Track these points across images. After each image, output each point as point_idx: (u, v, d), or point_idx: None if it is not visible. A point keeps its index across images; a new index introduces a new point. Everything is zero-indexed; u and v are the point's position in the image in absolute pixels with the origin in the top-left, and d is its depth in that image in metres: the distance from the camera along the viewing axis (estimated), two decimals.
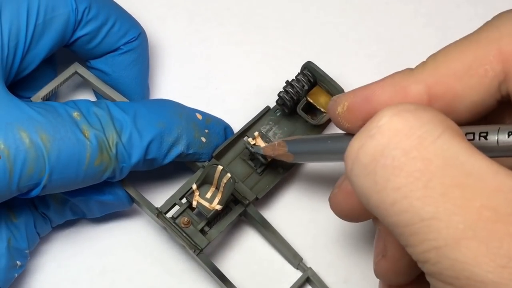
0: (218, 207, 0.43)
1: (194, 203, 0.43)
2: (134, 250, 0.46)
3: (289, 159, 0.41)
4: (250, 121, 0.47)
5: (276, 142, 0.41)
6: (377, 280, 0.36)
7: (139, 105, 0.43)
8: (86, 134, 0.40)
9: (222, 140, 0.45)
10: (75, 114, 0.40)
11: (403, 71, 0.31)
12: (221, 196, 0.44)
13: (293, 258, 0.45)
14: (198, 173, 0.45)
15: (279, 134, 0.47)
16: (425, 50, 0.34)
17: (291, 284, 0.44)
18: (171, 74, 0.49)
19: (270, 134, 0.47)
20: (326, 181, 0.47)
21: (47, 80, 0.45)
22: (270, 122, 0.47)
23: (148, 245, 0.46)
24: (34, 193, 0.39)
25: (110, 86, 0.46)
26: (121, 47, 0.45)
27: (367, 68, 0.49)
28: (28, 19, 0.41)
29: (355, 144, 0.28)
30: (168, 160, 0.43)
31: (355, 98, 0.32)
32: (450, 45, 0.31)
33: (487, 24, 0.31)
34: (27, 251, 0.42)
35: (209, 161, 0.45)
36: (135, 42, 0.45)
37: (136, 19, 0.46)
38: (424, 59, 0.32)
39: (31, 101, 0.43)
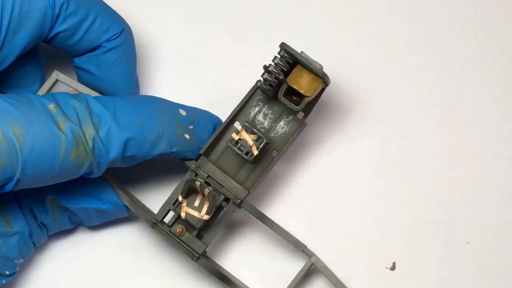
0: (206, 217, 0.43)
1: (183, 215, 0.43)
2: (131, 251, 0.47)
3: None
4: (239, 104, 0.44)
5: None
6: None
7: (120, 101, 0.42)
8: (61, 127, 0.39)
9: (210, 134, 0.44)
10: (51, 106, 0.40)
11: None
12: (208, 205, 0.43)
13: (296, 246, 0.44)
14: (186, 177, 0.44)
15: (270, 115, 0.44)
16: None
17: (296, 273, 0.44)
18: (162, 71, 0.48)
19: (260, 116, 0.44)
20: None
21: (33, 78, 0.45)
22: (260, 103, 0.44)
23: (145, 247, 0.47)
24: (8, 187, 0.39)
25: (97, 86, 0.45)
26: (104, 44, 0.43)
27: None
28: (2, 11, 0.40)
29: None
30: (149, 157, 0.42)
31: None
32: None
33: None
34: (17, 261, 0.44)
35: (196, 160, 0.44)
36: (118, 39, 0.43)
37: (125, 17, 0.44)
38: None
39: None
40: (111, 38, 0.43)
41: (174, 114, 0.42)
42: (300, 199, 0.46)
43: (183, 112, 0.43)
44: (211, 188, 0.42)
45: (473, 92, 0.47)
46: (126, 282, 0.47)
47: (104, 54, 0.43)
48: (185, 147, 0.43)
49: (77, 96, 0.41)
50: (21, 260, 0.44)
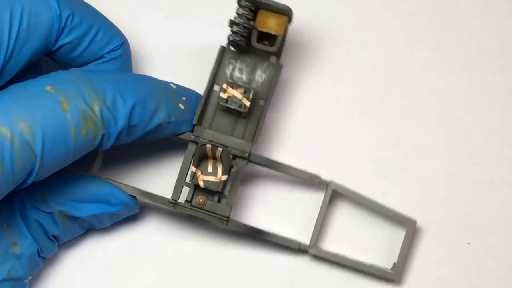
0: (224, 177, 0.44)
1: (201, 183, 0.44)
2: (139, 251, 0.47)
3: None
4: (212, 69, 0.45)
5: None
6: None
7: (116, 73, 0.43)
8: (65, 106, 0.39)
9: None
10: (48, 88, 0.40)
11: None
12: (223, 166, 0.44)
13: (311, 179, 0.46)
14: (190, 150, 0.45)
15: (245, 68, 0.46)
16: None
17: (320, 205, 0.45)
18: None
19: (236, 73, 0.46)
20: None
21: None
22: (231, 60, 0.46)
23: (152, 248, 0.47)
24: (29, 180, 0.39)
25: None
26: (104, 55, 0.44)
27: None
28: (11, 23, 0.40)
29: None
30: (150, 127, 0.42)
31: None
32: None
33: None
34: (26, 280, 0.43)
35: (191, 131, 0.45)
36: (118, 50, 0.44)
37: (121, 28, 0.44)
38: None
39: None
40: (112, 50, 0.44)
41: (167, 86, 0.44)
42: (296, 141, 0.48)
43: (173, 86, 0.44)
44: (221, 149, 0.43)
45: (473, 92, 0.48)
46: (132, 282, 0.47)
47: (102, 64, 0.44)
48: (181, 117, 0.44)
49: (74, 70, 0.41)
50: (30, 278, 0.44)
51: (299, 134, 0.48)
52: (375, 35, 0.49)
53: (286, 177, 0.46)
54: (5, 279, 0.42)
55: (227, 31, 0.44)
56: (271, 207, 0.47)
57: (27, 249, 0.43)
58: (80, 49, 0.43)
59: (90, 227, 0.46)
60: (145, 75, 0.44)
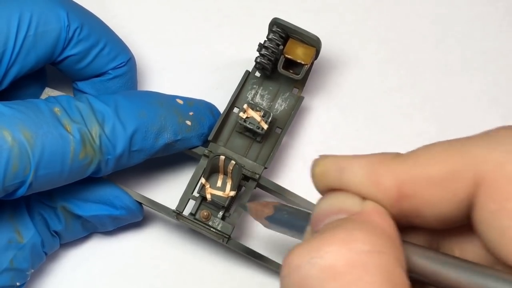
0: (232, 193, 0.44)
1: (209, 196, 0.44)
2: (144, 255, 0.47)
3: (264, 224, 0.36)
4: (235, 91, 0.46)
5: (264, 202, 0.36)
6: None
7: (119, 97, 0.43)
8: (68, 129, 0.40)
9: (209, 119, 0.45)
10: (56, 109, 0.40)
11: (385, 155, 0.29)
12: (232, 182, 0.44)
13: None
14: (202, 164, 0.45)
15: (266, 95, 0.47)
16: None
17: None
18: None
19: (257, 98, 0.46)
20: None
21: (36, 97, 0.45)
22: (254, 86, 0.47)
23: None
24: (20, 192, 0.39)
25: None
26: (110, 71, 0.44)
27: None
28: (18, 29, 0.41)
29: (295, 260, 0.27)
30: (156, 149, 0.43)
31: (331, 165, 0.31)
32: (438, 144, 0.29)
33: (484, 134, 0.29)
34: (28, 272, 0.43)
35: (205, 146, 0.45)
36: (124, 67, 0.45)
37: (127, 43, 0.45)
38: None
39: None
40: (118, 66, 0.44)
41: (172, 104, 0.44)
42: (302, 171, 0.48)
43: (180, 101, 0.44)
44: (234, 162, 0.43)
45: (474, 92, 0.48)
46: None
47: (108, 81, 0.45)
48: (189, 133, 0.44)
49: (79, 97, 0.42)
50: (32, 271, 0.43)
51: (309, 165, 0.48)
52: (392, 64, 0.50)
53: (291, 204, 0.46)
54: (7, 269, 0.41)
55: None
56: (271, 233, 0.46)
57: (31, 240, 0.42)
58: (86, 61, 0.44)
59: (93, 230, 0.45)
60: (151, 93, 0.44)
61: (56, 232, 0.44)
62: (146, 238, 0.47)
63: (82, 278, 0.46)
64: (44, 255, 0.44)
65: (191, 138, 0.44)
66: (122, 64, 0.44)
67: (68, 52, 0.43)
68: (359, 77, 0.49)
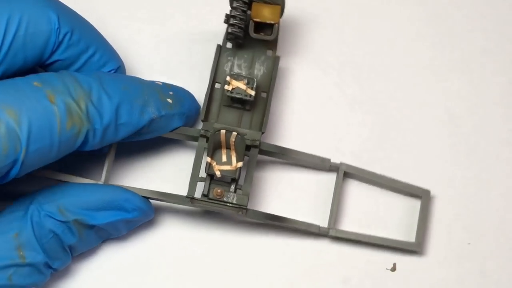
0: (240, 164, 0.44)
1: (218, 173, 0.44)
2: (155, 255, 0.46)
3: None
4: (212, 67, 0.46)
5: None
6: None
7: (101, 73, 0.42)
8: (52, 100, 0.39)
9: (188, 102, 0.45)
10: (35, 83, 0.39)
11: None
12: (237, 154, 0.44)
13: (322, 163, 0.46)
14: (201, 145, 0.45)
15: (243, 64, 0.47)
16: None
17: (332, 187, 0.46)
18: None
19: (236, 69, 0.47)
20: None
21: None
22: (229, 58, 0.47)
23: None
24: (13, 172, 0.38)
25: None
26: None
27: None
28: (7, 28, 0.40)
29: None
30: (142, 123, 0.43)
31: None
32: None
33: None
34: None
35: (199, 123, 0.45)
36: None
37: (117, 51, 0.45)
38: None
39: None
40: None
41: (152, 83, 0.44)
42: (300, 128, 0.48)
43: (159, 83, 0.45)
44: (235, 133, 0.44)
45: (474, 92, 0.49)
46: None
47: None
48: (171, 110, 0.44)
49: (62, 71, 0.41)
50: None
51: (302, 121, 0.48)
52: (368, 22, 0.50)
53: (294, 164, 0.47)
54: (5, 286, 0.40)
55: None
56: (283, 194, 0.47)
57: (33, 261, 0.41)
58: (75, 67, 0.43)
59: (107, 237, 0.45)
60: (130, 76, 0.45)
61: (70, 247, 0.43)
62: (158, 237, 0.47)
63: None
64: (49, 272, 0.43)
65: (173, 115, 0.44)
66: (112, 72, 0.44)
67: (58, 56, 0.42)
68: (327, 29, 0.50)
